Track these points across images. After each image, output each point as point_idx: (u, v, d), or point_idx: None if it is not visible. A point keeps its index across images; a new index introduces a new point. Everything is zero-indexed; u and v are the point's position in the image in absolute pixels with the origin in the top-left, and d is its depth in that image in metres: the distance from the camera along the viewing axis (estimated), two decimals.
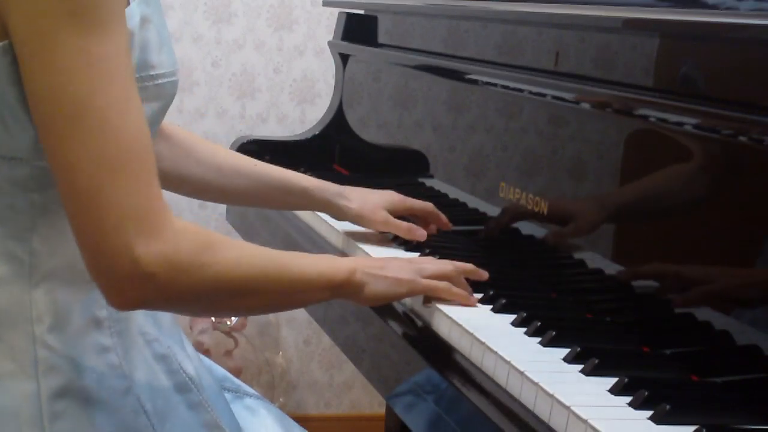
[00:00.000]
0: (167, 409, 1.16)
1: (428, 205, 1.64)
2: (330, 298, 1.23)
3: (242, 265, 1.10)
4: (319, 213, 1.77)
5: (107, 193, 0.99)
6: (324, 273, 1.20)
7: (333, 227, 1.72)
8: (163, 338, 1.18)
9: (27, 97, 1.02)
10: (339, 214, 1.62)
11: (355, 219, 1.61)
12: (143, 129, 1.02)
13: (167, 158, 1.46)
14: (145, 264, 1.00)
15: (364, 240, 1.64)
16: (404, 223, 1.60)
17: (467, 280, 1.37)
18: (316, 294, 1.21)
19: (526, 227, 1.55)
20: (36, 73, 1.00)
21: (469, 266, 1.38)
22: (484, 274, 1.39)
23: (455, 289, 1.33)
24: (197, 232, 1.07)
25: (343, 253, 1.64)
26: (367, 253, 1.57)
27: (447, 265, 1.35)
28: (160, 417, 1.14)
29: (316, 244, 1.75)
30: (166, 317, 1.20)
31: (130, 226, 0.99)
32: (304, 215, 1.87)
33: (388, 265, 1.29)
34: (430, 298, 1.34)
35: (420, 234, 1.59)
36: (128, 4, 1.06)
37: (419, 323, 1.35)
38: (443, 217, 1.65)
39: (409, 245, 1.61)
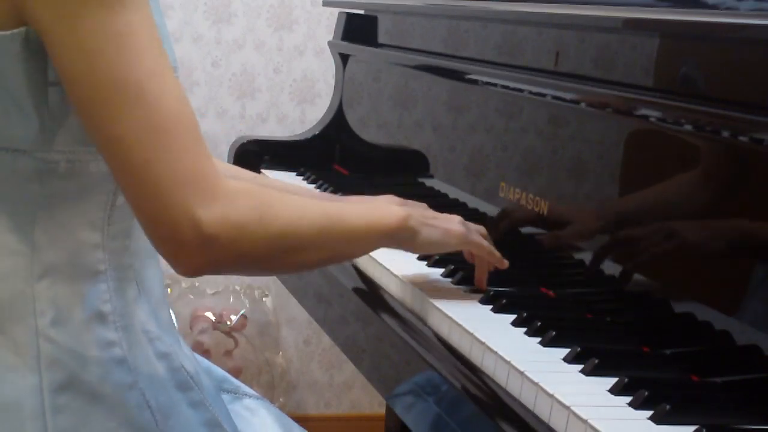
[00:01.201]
0: (170, 406, 1.16)
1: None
2: (386, 245, 1.26)
3: (302, 219, 1.11)
4: None
5: (158, 161, 1.00)
6: (379, 222, 1.23)
7: None
8: (164, 336, 1.18)
9: (63, 85, 1.02)
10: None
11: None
12: (182, 95, 1.03)
13: None
14: (207, 226, 1.01)
15: None
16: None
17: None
18: (372, 243, 1.25)
19: (525, 227, 1.55)
20: (66, 57, 1.00)
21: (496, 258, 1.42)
22: (505, 264, 1.42)
23: (495, 251, 1.39)
24: (253, 191, 1.07)
25: None
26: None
27: (484, 230, 1.41)
28: (163, 413, 1.15)
29: None
30: (165, 315, 1.21)
31: (186, 192, 1.00)
32: None
33: (438, 215, 1.34)
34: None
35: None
36: None
37: (419, 323, 1.35)
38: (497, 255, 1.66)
39: None
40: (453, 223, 1.35)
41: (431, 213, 1.35)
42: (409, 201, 1.62)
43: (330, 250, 1.18)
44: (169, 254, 1.03)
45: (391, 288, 1.47)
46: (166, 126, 1.00)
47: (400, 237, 1.27)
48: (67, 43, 1.00)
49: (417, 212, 1.31)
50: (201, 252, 1.02)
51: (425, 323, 1.34)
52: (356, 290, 1.53)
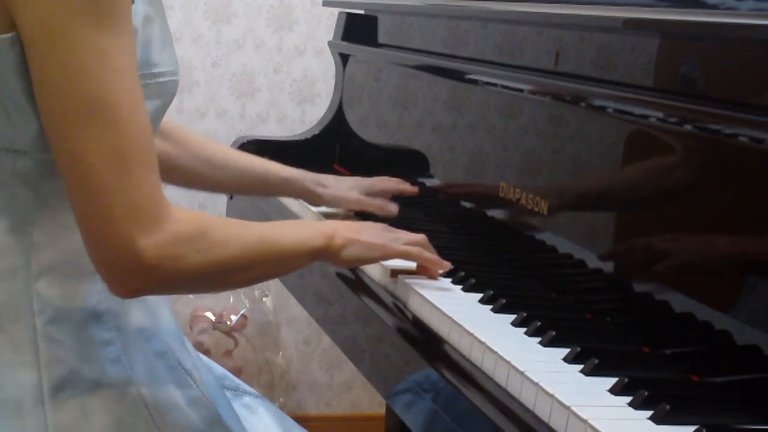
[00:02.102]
0: (168, 403, 1.16)
1: (386, 182, 1.78)
2: (311, 262, 1.30)
3: (232, 244, 1.14)
4: (321, 214, 1.79)
5: (117, 186, 1.01)
6: (306, 241, 1.26)
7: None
8: (161, 335, 1.19)
9: (35, 90, 1.02)
10: (316, 199, 1.74)
11: (331, 201, 1.75)
12: (149, 124, 1.05)
13: (160, 149, 1.48)
14: (146, 257, 1.03)
15: None
16: (376, 200, 1.74)
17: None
18: (300, 261, 1.27)
19: (526, 227, 1.55)
20: (47, 68, 1.01)
21: (435, 256, 1.44)
22: (445, 266, 1.45)
23: (426, 254, 1.42)
24: (192, 218, 1.10)
25: None
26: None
27: (420, 236, 1.43)
28: (160, 411, 1.15)
29: None
30: (163, 315, 1.21)
31: (135, 219, 1.02)
32: (306, 215, 1.87)
33: (364, 230, 1.38)
34: (397, 272, 1.44)
35: (391, 209, 1.74)
36: (133, 2, 1.07)
37: (419, 323, 1.35)
38: (406, 184, 1.79)
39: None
40: (379, 236, 1.38)
41: (356, 227, 1.37)
42: (370, 180, 1.77)
43: (261, 270, 1.21)
44: (107, 276, 1.06)
45: (391, 287, 1.47)
46: (129, 153, 1.02)
47: (326, 254, 1.30)
48: (52, 53, 1.00)
49: (342, 228, 1.34)
50: (137, 278, 1.05)
51: (425, 323, 1.34)
52: (356, 290, 1.53)
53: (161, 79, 1.13)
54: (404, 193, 1.80)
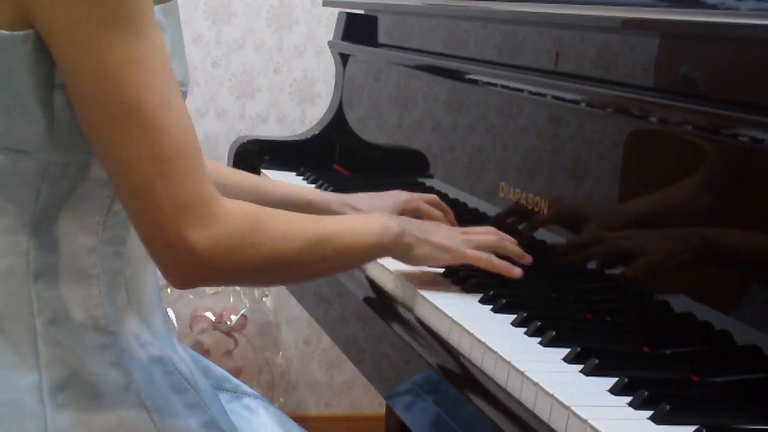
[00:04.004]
0: (166, 407, 1.16)
1: (433, 211, 1.62)
2: (378, 257, 1.31)
3: (292, 239, 1.14)
4: None
5: (160, 186, 1.04)
6: (374, 238, 1.26)
7: None
8: (156, 341, 1.19)
9: (72, 99, 1.04)
10: None
11: None
12: (188, 119, 1.06)
13: None
14: (199, 250, 1.05)
15: None
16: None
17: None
18: (366, 256, 1.29)
19: (526, 227, 1.55)
20: (80, 78, 1.02)
21: (515, 246, 1.43)
22: (527, 259, 1.43)
23: (497, 261, 1.39)
24: (247, 212, 1.11)
25: None
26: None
27: (490, 236, 1.41)
28: (161, 414, 1.15)
29: None
30: (158, 321, 1.21)
31: (183, 216, 1.04)
32: None
33: (435, 230, 1.37)
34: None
35: None
36: None
37: (419, 323, 1.35)
38: (450, 215, 1.63)
39: None
40: (450, 238, 1.37)
41: (428, 226, 1.37)
42: (415, 198, 1.62)
43: (323, 265, 1.21)
44: (164, 270, 1.09)
45: (390, 287, 1.47)
46: (170, 154, 1.04)
47: (394, 252, 1.30)
48: (82, 63, 1.01)
49: (413, 227, 1.33)
50: (192, 271, 1.07)
51: (425, 323, 1.34)
52: (356, 290, 1.53)
53: None
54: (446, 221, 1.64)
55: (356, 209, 1.60)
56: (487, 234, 1.42)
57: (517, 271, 1.40)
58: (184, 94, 1.17)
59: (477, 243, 1.39)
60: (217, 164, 1.61)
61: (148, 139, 1.03)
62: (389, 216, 1.37)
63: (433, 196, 1.65)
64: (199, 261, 1.06)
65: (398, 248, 1.30)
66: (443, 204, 1.64)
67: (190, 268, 1.07)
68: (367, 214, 1.44)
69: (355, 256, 1.26)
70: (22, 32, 1.02)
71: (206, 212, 1.06)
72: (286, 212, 1.20)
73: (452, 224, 1.63)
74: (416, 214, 1.61)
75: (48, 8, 1.00)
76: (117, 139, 1.03)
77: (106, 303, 1.12)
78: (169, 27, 1.13)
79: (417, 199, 1.63)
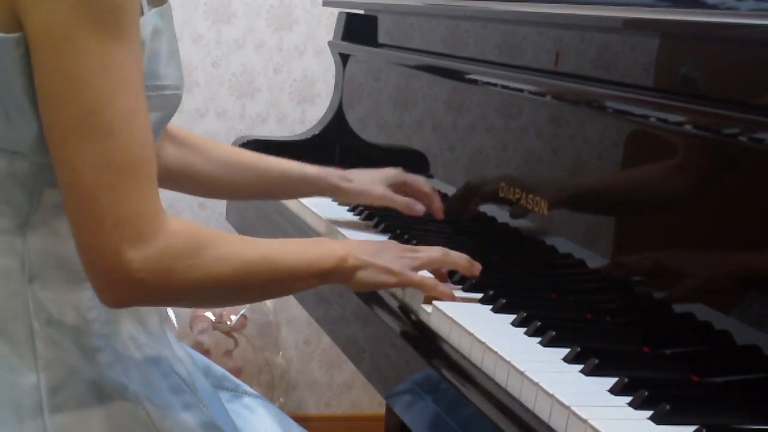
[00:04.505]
0: (165, 408, 1.16)
1: (421, 184, 1.69)
2: (320, 284, 1.25)
3: (230, 261, 1.12)
4: (323, 216, 1.78)
5: (106, 197, 1.01)
6: (314, 262, 1.21)
7: (339, 232, 1.72)
8: (153, 343, 1.19)
9: (36, 95, 1.03)
10: (342, 195, 1.68)
11: (357, 196, 1.67)
12: (148, 136, 1.04)
13: (176, 158, 1.49)
14: (133, 269, 1.03)
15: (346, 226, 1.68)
16: (402, 198, 1.66)
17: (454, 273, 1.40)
18: (306, 282, 1.22)
19: (526, 227, 1.55)
20: (49, 74, 1.01)
21: (463, 259, 1.37)
22: (476, 268, 1.38)
23: (441, 287, 1.34)
24: (188, 233, 1.08)
25: None
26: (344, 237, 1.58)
27: (437, 253, 1.35)
28: (159, 414, 1.15)
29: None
30: (154, 322, 1.21)
31: (123, 232, 1.02)
32: (306, 216, 1.87)
33: (380, 252, 1.30)
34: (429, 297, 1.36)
35: (418, 209, 1.65)
36: (142, 14, 1.07)
37: (419, 323, 1.35)
38: (437, 201, 1.68)
39: (392, 233, 1.63)
40: (395, 261, 1.30)
41: (376, 248, 1.30)
42: (405, 174, 1.68)
43: (263, 289, 1.20)
44: (96, 285, 1.06)
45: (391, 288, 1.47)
46: (122, 165, 1.02)
47: (335, 276, 1.24)
48: (55, 60, 1.00)
49: (359, 250, 1.27)
50: (125, 289, 1.05)
51: (425, 323, 1.34)
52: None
53: (165, 92, 1.13)
54: (430, 205, 1.69)
55: (350, 181, 1.66)
56: (433, 252, 1.36)
57: (448, 293, 1.34)
58: (179, 98, 1.17)
59: (423, 261, 1.33)
60: (219, 143, 1.61)
61: (101, 147, 1.01)
62: (337, 241, 1.33)
63: (421, 177, 1.70)
64: (134, 280, 1.04)
65: (340, 272, 1.24)
66: (429, 186, 1.70)
67: (122, 287, 1.04)
68: (314, 239, 1.38)
69: (295, 280, 1.21)
70: (15, 35, 1.02)
71: (146, 230, 1.04)
72: (232, 235, 1.19)
73: (437, 213, 1.69)
74: (404, 188, 1.69)
75: (32, 7, 1.00)
76: (73, 144, 1.01)
77: (99, 306, 1.11)
78: (166, 30, 1.13)
79: (404, 174, 1.69)
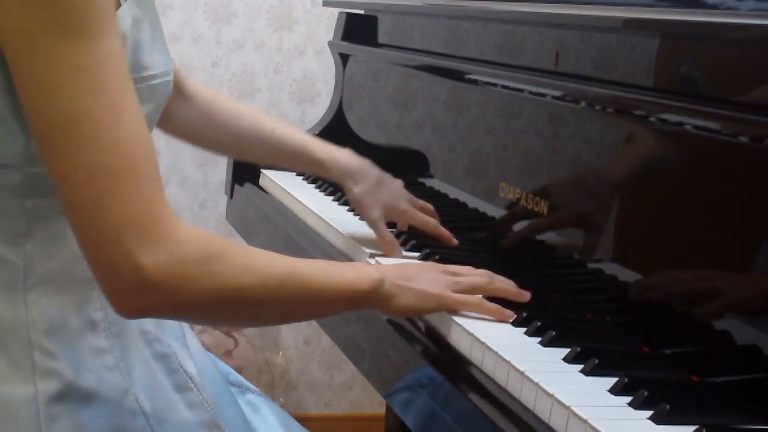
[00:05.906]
0: (166, 408, 1.16)
1: (428, 224, 1.60)
2: (354, 308, 1.19)
3: (255, 273, 1.06)
4: (323, 216, 1.78)
5: (106, 202, 0.97)
6: (347, 284, 1.15)
7: (338, 231, 1.70)
8: (164, 337, 1.18)
9: (23, 110, 1.00)
10: (345, 192, 1.59)
11: (353, 203, 1.59)
12: (141, 134, 1.00)
13: (187, 118, 1.50)
14: (147, 273, 0.98)
15: (369, 244, 1.59)
16: (387, 236, 1.54)
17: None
18: (336, 305, 1.16)
19: (525, 227, 1.55)
20: (25, 85, 0.98)
21: (510, 285, 1.32)
22: (525, 296, 1.32)
23: (487, 305, 1.28)
24: (205, 239, 1.04)
25: (347, 257, 1.63)
26: (370, 256, 1.55)
27: (481, 278, 1.30)
28: (159, 418, 1.14)
29: (317, 244, 1.75)
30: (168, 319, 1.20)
31: (131, 235, 0.97)
32: (308, 217, 1.87)
33: (419, 276, 1.24)
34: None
35: (395, 255, 1.53)
36: (119, 5, 1.04)
37: (419, 323, 1.35)
38: (445, 234, 1.60)
39: (410, 245, 1.60)
40: (435, 283, 1.24)
41: (410, 271, 1.24)
42: (411, 210, 1.58)
43: (289, 308, 1.12)
44: (109, 294, 1.02)
45: None
46: (116, 167, 0.97)
47: (371, 301, 1.18)
48: (30, 71, 0.97)
49: (394, 274, 1.21)
50: (139, 297, 1.00)
51: (425, 323, 1.34)
52: None
53: (153, 82, 1.10)
54: (440, 239, 1.60)
55: (355, 183, 1.57)
56: (477, 276, 1.30)
57: (508, 313, 1.28)
58: (169, 84, 1.13)
59: (465, 287, 1.27)
60: (238, 108, 1.57)
61: (92, 152, 0.97)
62: (370, 265, 1.27)
63: (424, 217, 1.61)
64: (148, 286, 0.98)
65: (377, 297, 1.17)
66: (439, 230, 1.61)
67: (137, 294, 0.99)
68: (347, 263, 1.31)
69: (324, 301, 1.14)
70: None
71: (157, 233, 0.98)
72: (251, 247, 1.12)
73: (449, 240, 1.60)
74: (419, 225, 1.60)
75: (1, 18, 0.96)
76: (61, 150, 0.97)
77: (107, 305, 1.10)
78: (145, 16, 1.09)
79: (411, 213, 1.59)
